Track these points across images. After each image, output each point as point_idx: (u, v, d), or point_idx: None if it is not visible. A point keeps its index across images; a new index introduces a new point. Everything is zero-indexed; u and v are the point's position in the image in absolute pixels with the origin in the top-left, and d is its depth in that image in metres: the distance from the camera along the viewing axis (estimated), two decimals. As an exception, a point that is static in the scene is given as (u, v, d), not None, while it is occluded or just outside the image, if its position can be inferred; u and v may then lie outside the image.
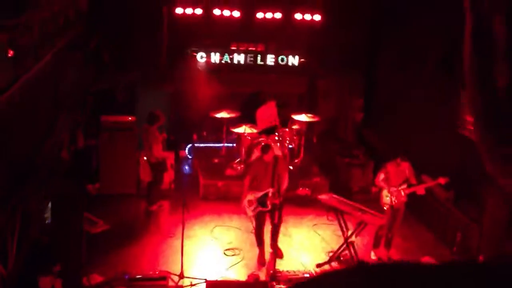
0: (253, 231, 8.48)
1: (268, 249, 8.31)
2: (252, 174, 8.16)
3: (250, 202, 8.13)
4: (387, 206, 8.32)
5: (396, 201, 8.27)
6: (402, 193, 8.26)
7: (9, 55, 5.67)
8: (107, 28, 10.85)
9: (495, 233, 7.48)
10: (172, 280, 7.60)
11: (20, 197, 5.96)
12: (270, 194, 7.99)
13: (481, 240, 7.98)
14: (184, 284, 7.53)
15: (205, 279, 7.52)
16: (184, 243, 7.75)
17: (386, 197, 8.31)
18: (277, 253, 8.26)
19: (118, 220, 9.26)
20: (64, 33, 8.60)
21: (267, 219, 8.23)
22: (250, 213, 8.22)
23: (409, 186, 8.31)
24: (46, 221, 7.59)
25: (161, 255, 8.35)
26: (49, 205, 7.49)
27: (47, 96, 8.03)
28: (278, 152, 8.86)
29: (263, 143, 9.00)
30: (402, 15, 10.47)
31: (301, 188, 8.29)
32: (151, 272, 7.68)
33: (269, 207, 8.02)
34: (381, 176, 8.37)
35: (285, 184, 8.18)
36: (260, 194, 8.04)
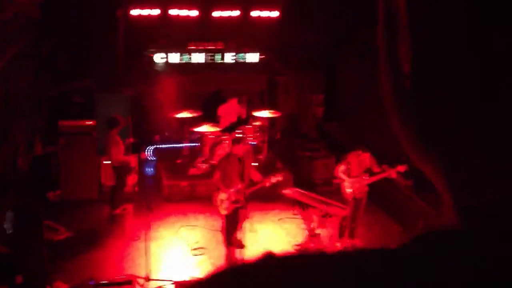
0: (221, 229, 8.46)
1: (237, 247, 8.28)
2: (222, 171, 8.15)
3: (222, 201, 8.12)
4: (349, 197, 8.45)
5: (357, 192, 8.41)
6: (363, 183, 8.40)
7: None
8: (61, 34, 10.66)
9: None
10: (138, 283, 7.53)
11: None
12: (241, 190, 8.02)
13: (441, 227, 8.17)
14: (151, 287, 7.48)
15: (173, 281, 7.49)
16: (150, 245, 7.70)
17: (348, 188, 8.44)
18: (239, 245, 8.28)
19: (82, 226, 9.11)
20: (16, 40, 8.41)
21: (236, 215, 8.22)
22: (224, 211, 8.19)
23: (371, 175, 8.46)
24: (7, 232, 7.42)
25: (127, 258, 8.26)
26: (9, 215, 7.32)
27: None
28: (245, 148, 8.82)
29: (234, 137, 9.02)
30: (360, 9, 10.58)
31: (272, 177, 8.24)
32: (117, 277, 7.59)
33: (241, 202, 8.05)
34: (342, 167, 8.49)
35: (257, 176, 8.22)
36: (232, 190, 8.05)
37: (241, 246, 8.28)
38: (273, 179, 8.19)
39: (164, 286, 7.52)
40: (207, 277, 0.63)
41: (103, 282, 7.41)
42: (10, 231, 7.36)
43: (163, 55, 12.22)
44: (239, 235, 8.34)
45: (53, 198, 9.93)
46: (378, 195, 9.34)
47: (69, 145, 10.04)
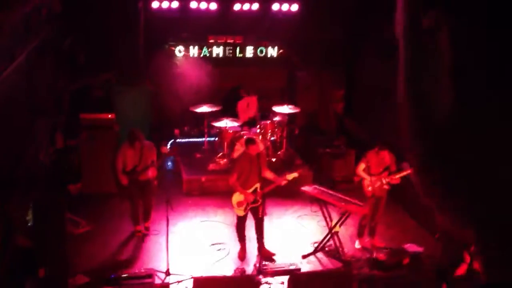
0: (235, 226, 8.42)
1: (250, 245, 8.28)
2: (239, 170, 8.01)
3: (239, 203, 8.08)
4: (369, 195, 8.40)
5: (377, 190, 8.35)
6: (384, 181, 8.33)
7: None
8: (81, 27, 10.70)
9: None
10: (159, 277, 7.59)
11: (2, 205, 5.88)
12: (258, 189, 7.98)
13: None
14: (171, 281, 7.53)
15: (191, 276, 7.52)
16: (169, 240, 7.75)
17: (368, 187, 8.38)
18: (267, 255, 8.19)
19: (102, 219, 9.21)
20: (36, 34, 8.45)
21: (250, 215, 8.17)
22: (241, 213, 8.16)
23: (390, 173, 8.38)
24: (28, 224, 7.51)
25: (146, 252, 8.33)
26: (31, 209, 7.40)
27: (21, 99, 7.90)
28: (260, 146, 8.72)
29: (247, 137, 8.96)
30: (383, 7, 10.43)
31: (287, 174, 8.07)
32: (136, 271, 7.66)
33: (260, 201, 7.99)
34: (362, 166, 8.44)
35: (270, 175, 8.09)
36: (249, 191, 8.01)
37: (271, 255, 8.25)
38: (289, 176, 8.10)
39: (183, 281, 7.57)
40: None
41: (124, 275, 7.48)
42: (31, 224, 7.45)
43: (183, 48, 12.22)
44: (261, 238, 8.22)
45: (73, 191, 10.03)
46: (398, 194, 9.28)
47: (91, 139, 10.11)
